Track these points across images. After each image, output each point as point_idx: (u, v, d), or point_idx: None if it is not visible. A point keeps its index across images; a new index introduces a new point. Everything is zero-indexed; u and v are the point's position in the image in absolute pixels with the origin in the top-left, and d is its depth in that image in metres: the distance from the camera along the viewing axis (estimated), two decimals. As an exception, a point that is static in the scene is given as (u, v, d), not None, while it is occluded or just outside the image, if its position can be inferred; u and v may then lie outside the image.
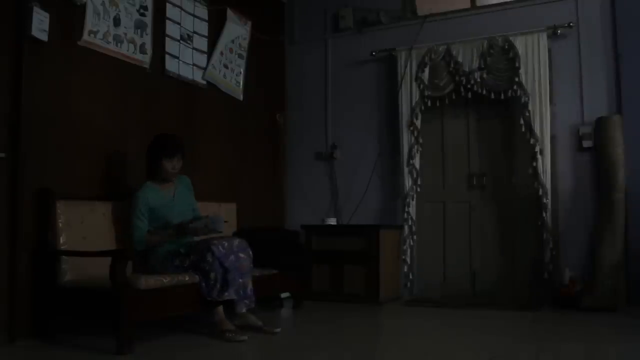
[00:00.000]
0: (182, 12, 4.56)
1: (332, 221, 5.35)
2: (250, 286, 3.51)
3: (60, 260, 3.25)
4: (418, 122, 5.20)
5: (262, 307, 4.36)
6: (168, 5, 4.42)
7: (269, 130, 5.69)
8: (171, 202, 3.62)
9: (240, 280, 3.44)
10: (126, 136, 3.97)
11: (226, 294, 3.37)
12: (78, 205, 3.44)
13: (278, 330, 3.51)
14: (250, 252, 3.59)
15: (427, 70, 5.18)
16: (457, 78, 5.06)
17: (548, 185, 4.69)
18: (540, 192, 4.68)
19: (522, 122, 4.79)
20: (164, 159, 3.56)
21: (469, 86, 4.99)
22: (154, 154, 3.59)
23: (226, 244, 3.45)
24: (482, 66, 4.94)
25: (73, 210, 3.40)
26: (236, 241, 3.54)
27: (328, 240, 5.09)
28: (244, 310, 3.44)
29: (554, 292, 4.58)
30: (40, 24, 3.31)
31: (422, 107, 5.20)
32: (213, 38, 4.90)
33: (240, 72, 5.24)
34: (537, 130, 4.73)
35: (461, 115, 5.29)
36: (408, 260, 5.14)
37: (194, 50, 4.68)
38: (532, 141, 4.73)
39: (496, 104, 5.03)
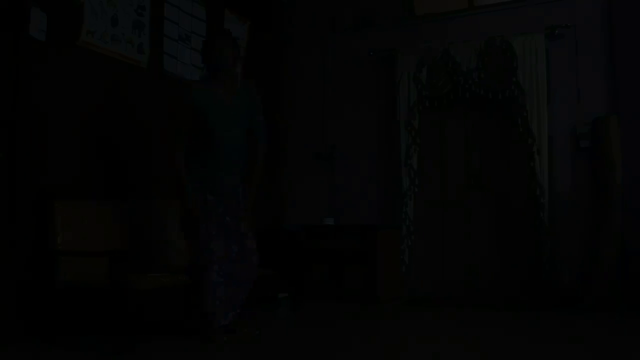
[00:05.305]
0: (180, 12, 4.56)
1: (331, 221, 5.36)
2: (243, 296, 3.33)
3: (59, 260, 3.24)
4: (416, 122, 5.20)
5: (261, 307, 4.36)
6: (166, 5, 4.41)
7: (268, 130, 5.67)
8: (224, 107, 3.24)
9: (236, 287, 3.33)
10: (125, 136, 3.97)
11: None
12: (78, 205, 3.44)
13: (258, 332, 3.40)
14: (254, 260, 3.36)
15: (425, 70, 5.19)
16: (455, 78, 5.07)
17: (545, 185, 4.71)
18: (538, 192, 4.69)
19: (519, 122, 4.80)
20: (215, 42, 3.27)
21: (467, 86, 5.00)
22: (206, 45, 3.30)
23: (223, 252, 3.22)
24: (480, 66, 4.95)
25: (73, 210, 3.39)
26: (236, 248, 3.30)
27: (327, 241, 5.09)
28: (222, 322, 3.22)
29: (553, 292, 4.59)
30: (38, 24, 3.30)
31: (421, 107, 5.20)
32: (211, 38, 4.90)
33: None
34: (534, 130, 4.74)
35: (459, 115, 5.30)
36: (406, 260, 5.15)
37: (192, 50, 4.68)
38: (529, 141, 4.74)
39: (494, 104, 5.04)
